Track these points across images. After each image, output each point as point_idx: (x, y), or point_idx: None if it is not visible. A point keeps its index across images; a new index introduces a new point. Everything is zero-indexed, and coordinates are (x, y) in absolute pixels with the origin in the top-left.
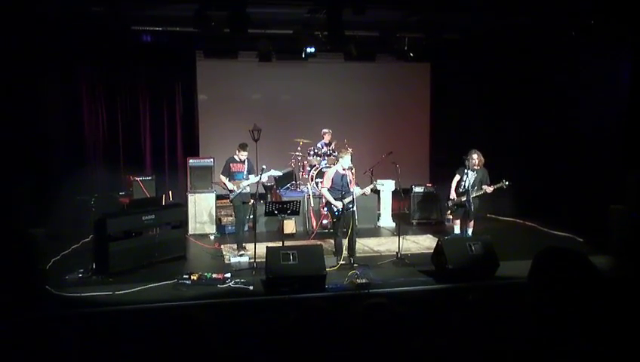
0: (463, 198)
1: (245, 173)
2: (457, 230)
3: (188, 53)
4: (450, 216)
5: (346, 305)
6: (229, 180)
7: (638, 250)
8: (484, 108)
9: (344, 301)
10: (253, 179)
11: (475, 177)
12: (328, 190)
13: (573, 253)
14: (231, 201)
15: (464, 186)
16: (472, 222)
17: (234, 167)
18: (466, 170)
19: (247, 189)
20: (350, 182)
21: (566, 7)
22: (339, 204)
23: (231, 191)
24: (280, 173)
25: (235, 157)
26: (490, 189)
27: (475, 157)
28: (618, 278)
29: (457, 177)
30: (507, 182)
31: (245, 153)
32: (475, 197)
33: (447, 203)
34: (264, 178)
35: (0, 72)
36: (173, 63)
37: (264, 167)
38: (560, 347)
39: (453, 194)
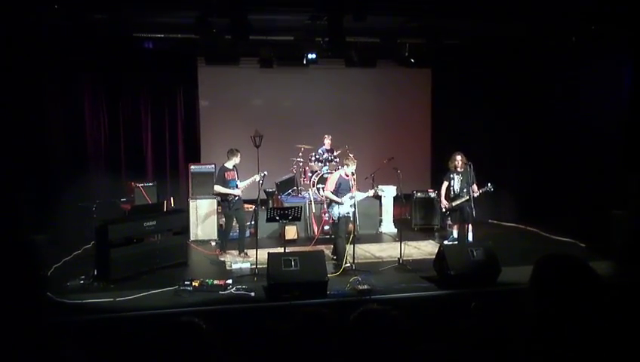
0: (455, 203)
1: (237, 179)
2: (455, 234)
3: (189, 59)
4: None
5: (347, 312)
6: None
7: None
8: (485, 113)
9: (346, 307)
10: (242, 183)
11: (462, 179)
12: (332, 193)
13: (572, 259)
14: (229, 209)
15: (454, 191)
16: (471, 227)
17: (228, 175)
18: (451, 175)
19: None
20: (352, 187)
21: (566, 12)
22: (345, 200)
23: (235, 196)
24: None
25: (227, 164)
26: (476, 193)
27: (459, 159)
28: (619, 284)
29: (445, 184)
30: (492, 186)
31: (239, 158)
32: (467, 200)
33: (440, 211)
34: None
35: (2, 78)
36: (175, 70)
37: (265, 173)
38: (561, 353)
39: (444, 202)
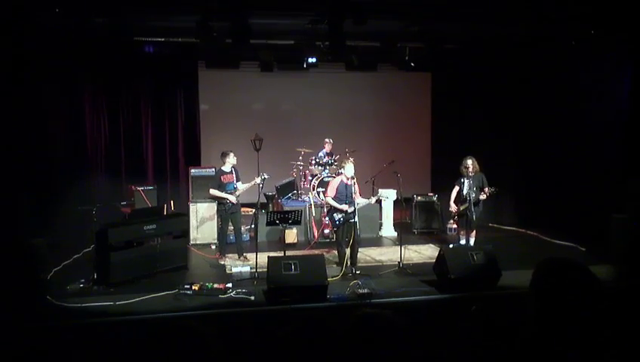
0: (462, 208)
1: (235, 182)
2: (463, 241)
3: (190, 63)
4: (454, 226)
5: (347, 316)
6: (222, 192)
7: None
8: (484, 117)
9: (346, 311)
10: (242, 186)
11: (471, 183)
12: (333, 199)
13: (573, 263)
14: (225, 212)
15: (462, 196)
16: (474, 232)
17: (225, 178)
18: (462, 179)
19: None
20: (355, 192)
21: (566, 16)
22: (345, 207)
23: (230, 202)
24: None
25: (224, 168)
26: (482, 196)
27: (470, 163)
28: (619, 287)
29: (456, 188)
30: (494, 189)
31: (233, 159)
32: (476, 204)
33: (450, 215)
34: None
35: (3, 82)
36: (175, 74)
37: (266, 175)
38: (562, 356)
39: (453, 207)
